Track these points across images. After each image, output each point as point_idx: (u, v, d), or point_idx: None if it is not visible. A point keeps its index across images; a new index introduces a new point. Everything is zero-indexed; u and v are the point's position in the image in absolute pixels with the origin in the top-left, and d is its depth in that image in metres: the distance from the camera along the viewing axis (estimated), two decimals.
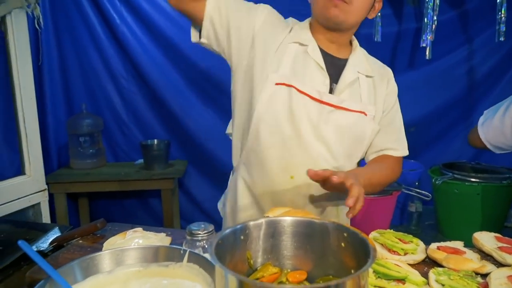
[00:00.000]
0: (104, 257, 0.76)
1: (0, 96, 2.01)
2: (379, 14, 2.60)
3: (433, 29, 2.42)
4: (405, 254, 0.95)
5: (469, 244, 1.04)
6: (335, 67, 1.20)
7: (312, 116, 1.15)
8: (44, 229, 1.20)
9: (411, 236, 1.03)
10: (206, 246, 0.87)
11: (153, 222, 2.97)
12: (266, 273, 0.70)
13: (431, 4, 2.42)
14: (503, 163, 2.38)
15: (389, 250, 0.95)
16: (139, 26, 2.79)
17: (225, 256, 0.65)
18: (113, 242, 0.99)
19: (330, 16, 1.13)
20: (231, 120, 1.31)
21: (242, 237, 0.69)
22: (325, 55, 1.20)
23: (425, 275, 0.87)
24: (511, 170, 2.31)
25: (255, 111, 1.15)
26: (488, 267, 0.90)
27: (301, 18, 1.28)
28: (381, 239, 0.99)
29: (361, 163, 1.30)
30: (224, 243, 0.65)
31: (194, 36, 1.21)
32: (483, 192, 2.16)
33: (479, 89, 2.87)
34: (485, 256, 0.99)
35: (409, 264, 0.92)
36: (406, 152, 1.32)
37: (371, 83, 1.25)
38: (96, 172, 2.71)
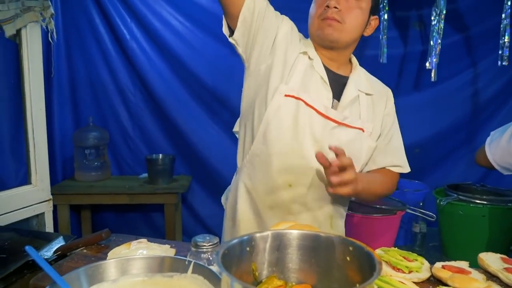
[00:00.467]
0: (110, 266, 0.76)
1: (11, 106, 2.04)
2: (385, 36, 2.64)
3: (437, 52, 2.45)
4: (410, 272, 0.94)
5: (474, 265, 1.03)
6: (336, 84, 1.24)
7: (315, 130, 1.18)
8: (48, 238, 1.21)
9: (415, 254, 1.02)
10: (211, 258, 0.87)
11: (155, 236, 2.93)
12: (271, 285, 0.70)
13: (437, 28, 2.46)
14: (509, 185, 2.37)
15: (394, 268, 0.95)
16: (148, 42, 2.85)
17: (231, 267, 0.65)
18: (118, 252, 0.99)
19: (324, 35, 1.19)
20: (238, 119, 1.34)
21: (248, 249, 0.70)
22: (328, 71, 1.24)
23: None
24: None
25: (263, 119, 1.19)
26: None
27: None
28: (386, 257, 0.99)
29: None
30: (230, 254, 0.66)
31: (225, 29, 1.27)
32: (489, 214, 2.14)
33: (484, 112, 2.88)
34: (491, 277, 0.98)
35: (414, 283, 0.92)
36: (407, 169, 1.35)
37: (370, 101, 1.29)
38: (100, 185, 2.72)
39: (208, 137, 2.91)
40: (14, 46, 1.99)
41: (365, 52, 2.86)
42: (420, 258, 1.00)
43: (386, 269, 0.94)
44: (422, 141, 2.92)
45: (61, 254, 1.09)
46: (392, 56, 2.73)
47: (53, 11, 2.01)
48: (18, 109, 2.06)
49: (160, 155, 2.85)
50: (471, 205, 2.20)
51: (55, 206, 2.48)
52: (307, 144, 1.18)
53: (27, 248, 0.74)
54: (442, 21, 2.39)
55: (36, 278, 0.91)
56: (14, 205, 1.95)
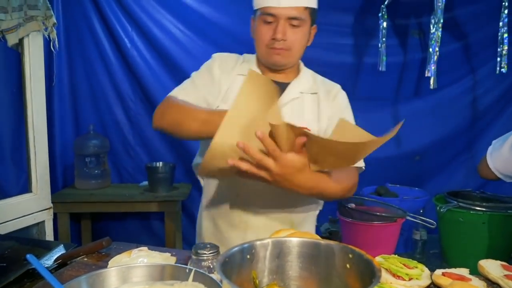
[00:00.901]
0: (111, 274, 0.76)
1: (12, 114, 2.05)
2: (384, 44, 2.66)
3: (435, 60, 2.47)
4: (410, 279, 0.94)
5: (475, 273, 1.03)
6: (281, 91, 1.27)
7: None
8: (48, 247, 1.20)
9: (415, 261, 1.02)
10: (212, 266, 0.87)
11: (155, 244, 2.92)
12: None
13: (435, 36, 2.48)
14: (509, 192, 2.37)
15: (394, 275, 0.95)
16: (149, 50, 2.86)
17: (231, 275, 0.65)
18: (119, 260, 0.99)
19: (274, 62, 1.27)
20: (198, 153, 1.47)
21: (248, 256, 0.70)
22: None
23: None
24: None
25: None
26: None
27: None
28: (386, 264, 0.99)
29: None
30: (231, 261, 0.66)
31: None
32: (489, 221, 2.14)
33: (483, 119, 2.89)
34: (491, 284, 0.98)
35: None
36: (363, 164, 1.30)
37: (316, 100, 1.34)
38: (100, 193, 2.71)
39: None
40: (16, 55, 2.01)
41: (364, 60, 2.88)
42: (420, 265, 1.01)
43: (386, 277, 0.95)
44: (422, 148, 2.93)
45: (61, 263, 1.09)
46: (391, 64, 2.75)
47: (55, 21, 2.03)
48: (20, 117, 2.06)
49: (161, 163, 2.85)
50: (471, 212, 2.20)
51: (55, 215, 2.48)
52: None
53: (28, 256, 0.75)
54: (440, 29, 2.42)
55: (36, 287, 0.91)
56: (15, 213, 1.94)
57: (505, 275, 0.97)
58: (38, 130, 2.08)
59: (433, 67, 2.50)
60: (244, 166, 0.95)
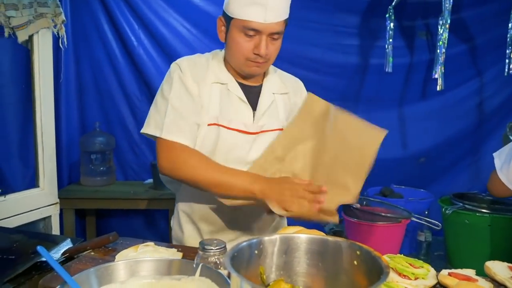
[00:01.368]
0: (119, 267, 0.77)
1: (21, 110, 2.07)
2: (391, 45, 2.65)
3: (442, 61, 2.46)
4: (416, 278, 0.94)
5: (480, 274, 1.03)
6: (253, 95, 1.30)
7: (239, 146, 1.26)
8: (56, 241, 1.21)
9: (421, 261, 1.02)
10: (218, 262, 0.87)
11: (160, 242, 2.95)
12: None
13: (443, 37, 2.47)
14: None
15: (400, 274, 0.95)
16: (155, 49, 2.87)
17: (239, 270, 0.65)
18: (126, 255, 1.00)
19: (250, 72, 1.27)
20: None
21: (256, 252, 0.70)
22: (243, 86, 1.29)
23: None
24: None
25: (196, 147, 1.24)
26: None
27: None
28: (392, 263, 0.99)
29: None
30: (239, 256, 0.67)
31: None
32: (495, 224, 2.13)
33: (490, 122, 2.87)
34: (498, 285, 0.98)
35: None
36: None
37: (287, 99, 1.37)
38: (105, 190, 2.72)
39: None
40: (25, 51, 2.03)
41: (370, 61, 2.87)
42: (426, 265, 1.00)
43: (392, 276, 0.95)
44: (427, 150, 2.92)
45: (68, 256, 1.10)
46: (397, 65, 2.74)
47: (64, 18, 2.05)
48: (28, 113, 2.08)
49: None
50: (477, 214, 2.19)
51: (61, 210, 2.49)
52: (234, 162, 1.23)
53: (38, 248, 0.75)
54: (447, 31, 2.41)
55: (45, 279, 0.92)
56: (22, 207, 1.96)
57: None
58: (46, 126, 2.10)
59: (440, 69, 2.50)
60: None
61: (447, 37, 2.44)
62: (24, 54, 2.04)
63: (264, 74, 1.36)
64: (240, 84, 1.29)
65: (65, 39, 2.10)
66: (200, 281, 0.76)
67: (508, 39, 2.45)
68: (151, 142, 2.94)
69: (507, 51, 2.45)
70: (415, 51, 2.88)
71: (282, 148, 1.23)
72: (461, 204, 2.26)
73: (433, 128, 2.89)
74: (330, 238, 0.72)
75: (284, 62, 1.68)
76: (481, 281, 0.96)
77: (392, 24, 2.64)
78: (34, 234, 1.54)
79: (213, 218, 1.32)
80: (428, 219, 2.15)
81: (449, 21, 2.41)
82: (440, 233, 2.38)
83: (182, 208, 1.39)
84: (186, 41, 2.84)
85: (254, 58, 1.21)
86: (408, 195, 2.64)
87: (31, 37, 1.97)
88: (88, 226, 2.98)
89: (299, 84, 1.45)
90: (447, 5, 2.37)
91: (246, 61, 1.23)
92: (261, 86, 1.33)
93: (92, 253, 1.10)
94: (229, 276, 0.68)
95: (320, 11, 2.72)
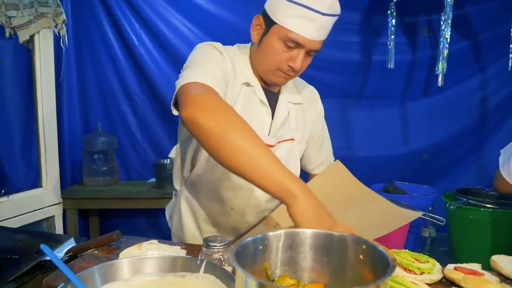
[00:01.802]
0: (122, 265, 0.77)
1: (23, 110, 2.07)
2: (393, 42, 2.64)
3: (444, 57, 2.45)
4: (421, 273, 0.94)
5: (486, 269, 1.02)
6: (272, 101, 1.28)
7: None
8: (59, 240, 1.21)
9: (427, 256, 1.01)
10: (222, 258, 0.87)
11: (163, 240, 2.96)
12: (284, 284, 0.70)
13: (444, 33, 2.46)
14: None
15: (405, 269, 0.94)
16: (157, 48, 2.87)
17: (244, 265, 0.65)
18: (129, 253, 0.99)
19: (275, 81, 1.23)
20: (175, 146, 1.42)
21: (261, 247, 0.70)
22: (266, 91, 1.27)
23: None
24: None
25: None
26: None
27: None
28: (397, 258, 0.98)
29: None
30: (244, 252, 0.66)
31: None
32: (499, 218, 2.12)
33: (493, 118, 2.87)
34: (504, 279, 0.97)
35: (426, 284, 0.91)
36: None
37: (300, 109, 1.35)
38: (108, 190, 2.73)
39: None
40: (26, 51, 2.03)
41: (373, 58, 2.87)
42: (432, 260, 1.00)
43: (397, 270, 0.94)
44: (430, 146, 2.91)
45: (72, 255, 1.10)
46: (400, 62, 2.73)
47: (65, 17, 2.05)
48: (30, 113, 2.08)
49: (168, 160, 2.85)
50: (481, 209, 2.18)
51: (64, 210, 2.50)
52: None
53: (42, 246, 0.75)
54: (449, 27, 2.40)
55: (49, 277, 0.92)
56: (26, 207, 1.96)
57: None
58: (48, 126, 2.10)
59: (442, 65, 2.49)
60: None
61: (449, 33, 2.43)
62: (25, 54, 2.04)
63: None
64: (264, 89, 1.26)
65: (66, 39, 2.10)
66: (205, 278, 0.75)
67: (511, 35, 2.44)
68: (154, 141, 2.98)
69: (511, 46, 2.44)
70: (417, 47, 2.87)
71: None
72: (465, 199, 2.25)
73: (436, 125, 2.89)
74: (335, 233, 0.72)
75: None
76: (487, 275, 0.95)
77: (394, 21, 2.63)
78: (37, 233, 1.54)
79: (217, 221, 1.31)
80: (432, 215, 2.13)
81: (451, 17, 2.40)
82: (444, 229, 2.38)
83: (184, 208, 1.38)
84: (188, 40, 2.84)
85: (286, 70, 1.17)
86: (412, 191, 2.64)
87: (32, 37, 1.97)
88: (91, 226, 2.99)
89: (315, 94, 1.43)
90: (449, 0, 2.36)
91: (276, 71, 1.18)
92: (278, 93, 1.30)
93: (96, 251, 1.09)
94: (233, 272, 0.68)
95: None
